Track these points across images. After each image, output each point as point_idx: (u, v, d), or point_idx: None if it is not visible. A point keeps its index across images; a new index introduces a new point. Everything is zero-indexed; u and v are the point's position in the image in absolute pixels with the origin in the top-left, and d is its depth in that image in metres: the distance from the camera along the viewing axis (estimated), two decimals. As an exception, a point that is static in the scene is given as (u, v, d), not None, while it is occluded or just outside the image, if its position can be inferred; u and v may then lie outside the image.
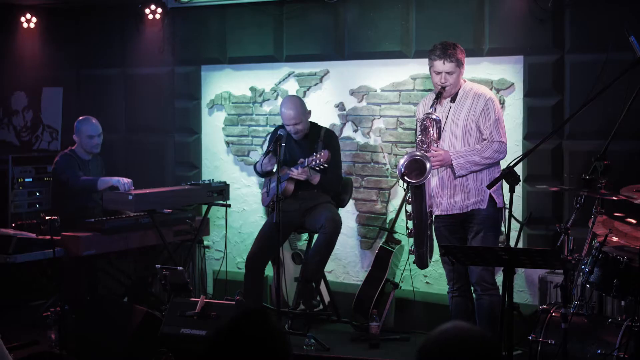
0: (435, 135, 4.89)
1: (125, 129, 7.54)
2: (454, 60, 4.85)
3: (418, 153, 4.84)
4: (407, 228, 4.97)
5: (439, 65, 4.87)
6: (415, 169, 4.81)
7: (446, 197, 4.93)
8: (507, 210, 4.18)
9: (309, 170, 5.67)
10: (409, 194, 4.93)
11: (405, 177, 4.80)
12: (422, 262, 5.04)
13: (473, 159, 4.84)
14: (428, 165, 4.74)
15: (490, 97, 4.95)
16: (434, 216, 4.97)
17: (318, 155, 5.54)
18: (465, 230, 4.96)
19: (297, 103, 5.88)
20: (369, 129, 6.37)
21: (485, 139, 4.89)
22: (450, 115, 4.93)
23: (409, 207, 4.94)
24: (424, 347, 2.04)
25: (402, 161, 4.82)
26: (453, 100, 4.95)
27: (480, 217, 4.88)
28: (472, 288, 5.04)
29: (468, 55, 5.14)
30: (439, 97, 4.91)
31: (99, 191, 6.15)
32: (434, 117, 4.89)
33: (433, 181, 4.95)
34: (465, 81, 5.04)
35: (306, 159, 5.63)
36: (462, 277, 5.00)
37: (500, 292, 4.04)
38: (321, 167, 5.56)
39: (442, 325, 2.07)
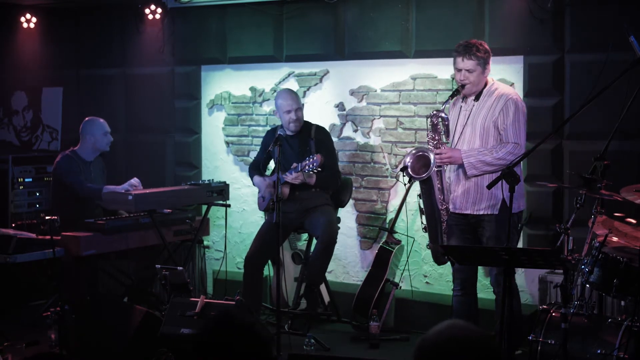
0: (444, 133, 4.89)
1: (125, 129, 7.53)
2: (473, 58, 4.79)
3: (419, 149, 4.87)
4: (422, 223, 4.99)
5: (459, 61, 4.83)
6: (423, 165, 4.87)
7: (460, 194, 4.87)
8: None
9: (303, 174, 5.66)
10: (419, 190, 4.95)
11: (411, 173, 4.86)
12: (436, 258, 5.01)
13: (484, 159, 4.75)
14: (432, 157, 4.78)
15: (512, 97, 4.84)
16: (449, 213, 4.93)
17: (311, 160, 5.51)
18: (477, 233, 4.90)
19: (292, 92, 5.97)
20: (368, 129, 6.37)
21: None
22: (472, 114, 4.88)
23: (422, 203, 4.97)
24: (421, 347, 2.03)
25: (407, 159, 4.88)
26: (477, 99, 4.89)
27: (492, 223, 4.80)
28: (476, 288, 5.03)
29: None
30: (455, 94, 4.90)
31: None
32: (442, 115, 4.90)
33: (451, 176, 4.91)
34: (493, 81, 4.96)
35: (299, 164, 5.60)
36: (468, 277, 4.96)
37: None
38: (315, 170, 5.55)
39: (438, 325, 2.06)
